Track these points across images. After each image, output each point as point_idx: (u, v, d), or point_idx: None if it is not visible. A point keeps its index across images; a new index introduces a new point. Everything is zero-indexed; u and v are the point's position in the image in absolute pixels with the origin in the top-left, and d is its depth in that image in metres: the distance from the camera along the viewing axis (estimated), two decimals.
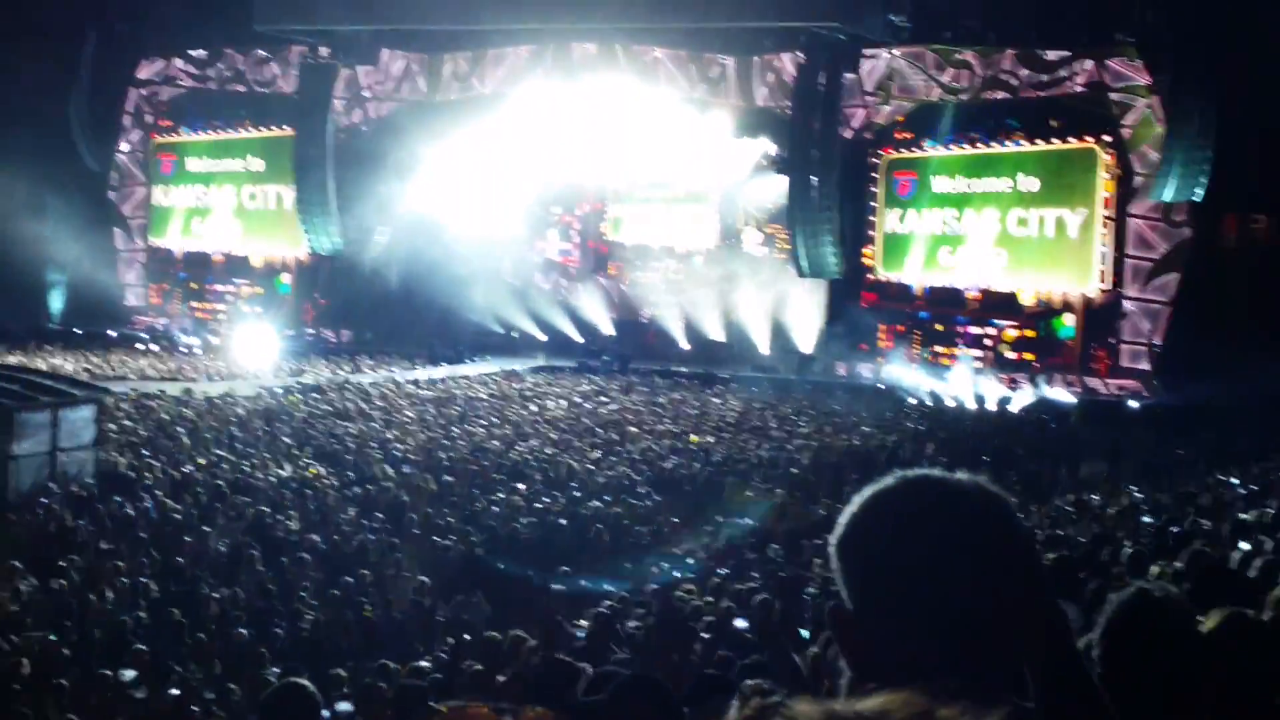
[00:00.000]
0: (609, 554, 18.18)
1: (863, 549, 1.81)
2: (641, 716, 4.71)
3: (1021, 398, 39.65)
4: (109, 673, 11.82)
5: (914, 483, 1.83)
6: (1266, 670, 3.96)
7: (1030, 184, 45.54)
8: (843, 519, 1.84)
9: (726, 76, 50.28)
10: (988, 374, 43.27)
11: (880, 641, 1.78)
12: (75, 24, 55.89)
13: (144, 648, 13.00)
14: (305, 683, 6.32)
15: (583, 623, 12.85)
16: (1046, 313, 45.57)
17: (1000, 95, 45.80)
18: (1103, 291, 44.41)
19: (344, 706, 9.86)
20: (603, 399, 37.49)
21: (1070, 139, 44.84)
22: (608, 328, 53.04)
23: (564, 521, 20.00)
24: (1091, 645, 3.28)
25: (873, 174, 48.50)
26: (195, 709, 11.07)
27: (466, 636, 13.47)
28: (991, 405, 38.74)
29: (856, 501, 1.84)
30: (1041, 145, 45.35)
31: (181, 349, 50.98)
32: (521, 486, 22.77)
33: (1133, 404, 39.31)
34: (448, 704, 8.51)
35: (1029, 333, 45.76)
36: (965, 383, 41.12)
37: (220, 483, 22.18)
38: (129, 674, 11.70)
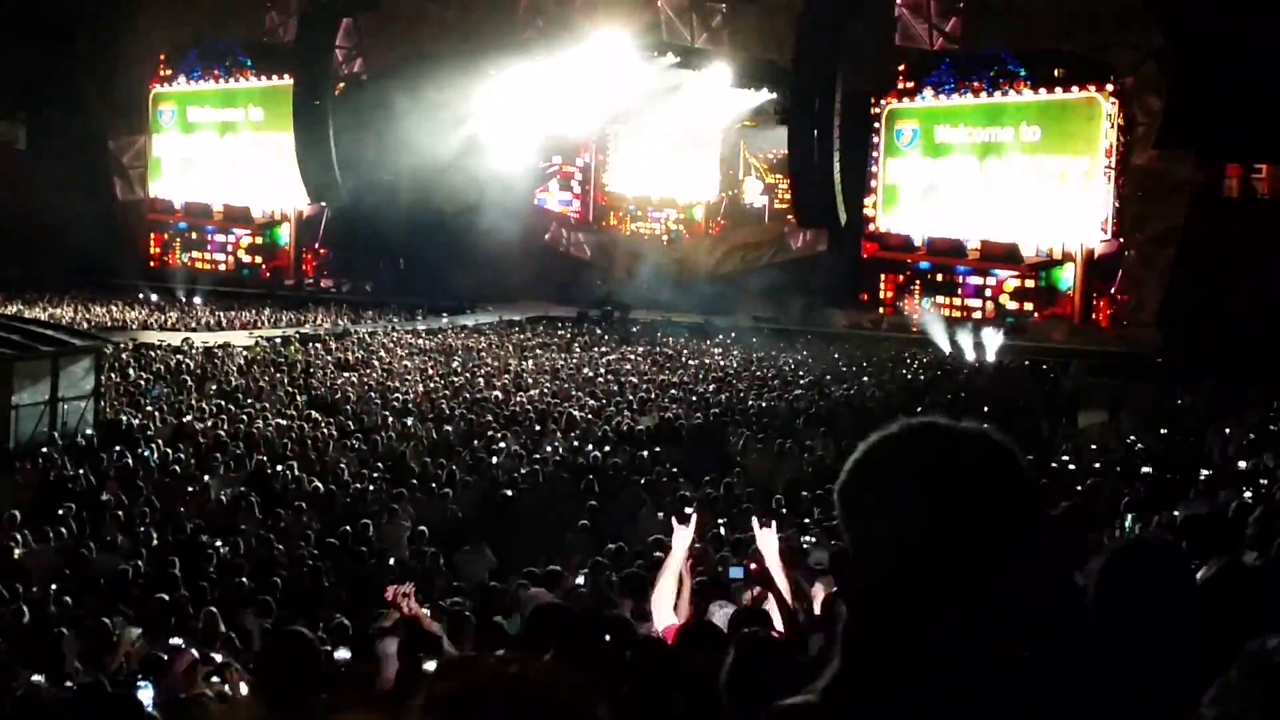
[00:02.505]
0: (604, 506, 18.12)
1: (865, 495, 1.79)
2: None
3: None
4: (107, 621, 11.85)
5: (917, 430, 1.80)
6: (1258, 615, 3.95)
7: (1032, 133, 45.42)
8: (847, 465, 1.82)
9: (728, 25, 50.00)
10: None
11: (879, 585, 1.76)
12: None
13: (154, 594, 13.04)
14: (304, 630, 6.30)
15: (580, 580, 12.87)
16: (1047, 263, 45.51)
17: (1003, 44, 45.57)
18: (1104, 241, 44.36)
19: (343, 654, 9.84)
20: (603, 349, 37.50)
21: (1073, 88, 44.67)
22: (608, 278, 52.99)
23: (563, 474, 20.02)
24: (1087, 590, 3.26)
25: (874, 123, 48.31)
26: (193, 655, 11.08)
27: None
28: (990, 355, 38.68)
29: (861, 448, 1.81)
30: (1044, 94, 45.18)
31: (180, 299, 50.85)
32: (520, 436, 22.81)
33: (1132, 354, 39.28)
34: (451, 654, 8.52)
35: (1029, 283, 45.71)
36: (960, 332, 40.98)
37: (220, 432, 22.20)
38: (135, 632, 11.69)
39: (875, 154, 48.42)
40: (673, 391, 29.01)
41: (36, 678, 9.59)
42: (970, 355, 38.74)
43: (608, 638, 4.90)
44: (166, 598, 12.84)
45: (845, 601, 1.87)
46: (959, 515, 1.71)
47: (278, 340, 36.08)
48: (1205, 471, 16.70)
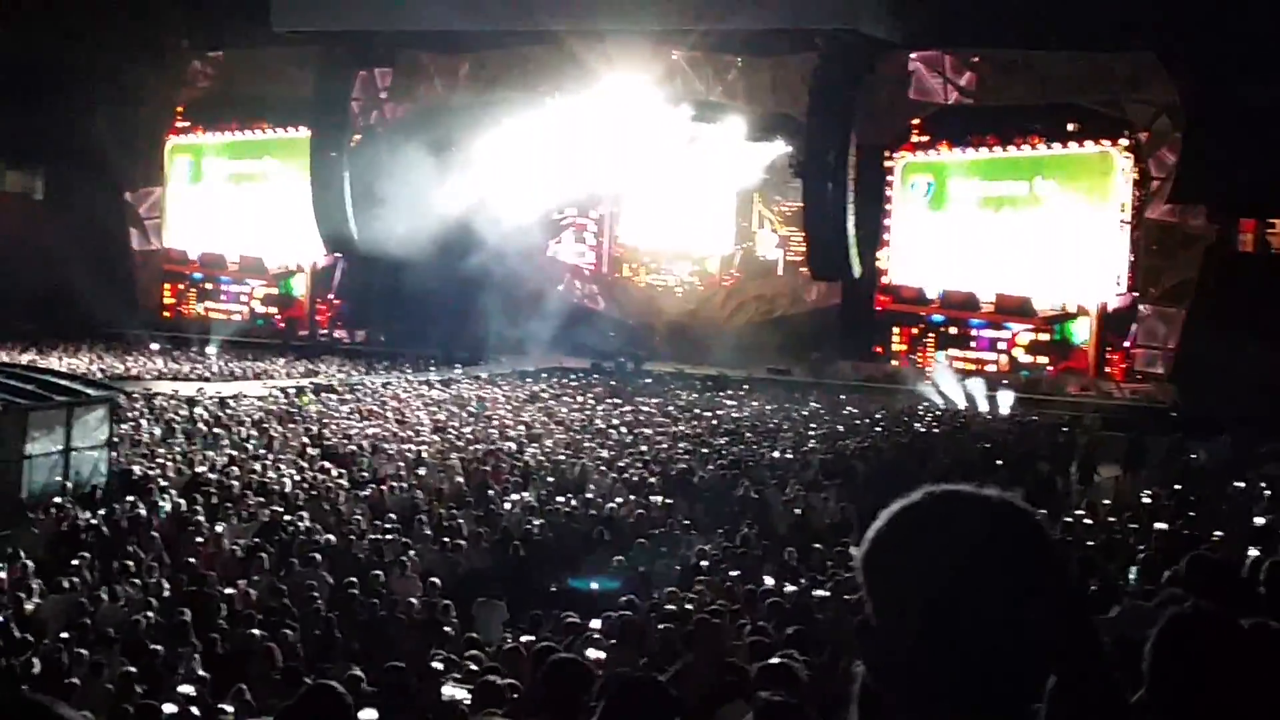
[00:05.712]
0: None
1: (889, 565, 1.77)
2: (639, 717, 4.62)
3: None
4: (130, 668, 11.83)
5: (941, 498, 1.79)
6: None
7: (1047, 187, 45.48)
8: (869, 534, 1.80)
9: (743, 79, 50.20)
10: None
11: (904, 656, 1.74)
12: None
13: (165, 645, 13.01)
14: (336, 685, 6.22)
15: (595, 624, 12.81)
16: (1062, 316, 45.45)
17: (1018, 99, 45.67)
18: (1119, 295, 44.32)
19: (368, 714, 9.71)
20: (616, 400, 37.46)
21: (1088, 143, 44.76)
22: (621, 330, 52.98)
23: (576, 525, 19.98)
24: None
25: (889, 177, 48.43)
26: (207, 708, 11.05)
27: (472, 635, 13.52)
28: (1005, 410, 38.56)
29: (883, 516, 1.80)
30: (1059, 149, 45.25)
31: (194, 349, 50.91)
32: (534, 488, 22.80)
33: (1147, 409, 39.14)
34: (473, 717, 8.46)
35: (1043, 337, 45.64)
36: (975, 386, 40.73)
37: (232, 483, 22.18)
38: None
39: (889, 207, 48.52)
40: (686, 444, 28.94)
41: None
42: (984, 409, 38.66)
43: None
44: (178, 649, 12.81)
45: (866, 666, 1.85)
46: (984, 585, 1.69)
47: (292, 391, 36.09)
48: (1219, 533, 16.57)
